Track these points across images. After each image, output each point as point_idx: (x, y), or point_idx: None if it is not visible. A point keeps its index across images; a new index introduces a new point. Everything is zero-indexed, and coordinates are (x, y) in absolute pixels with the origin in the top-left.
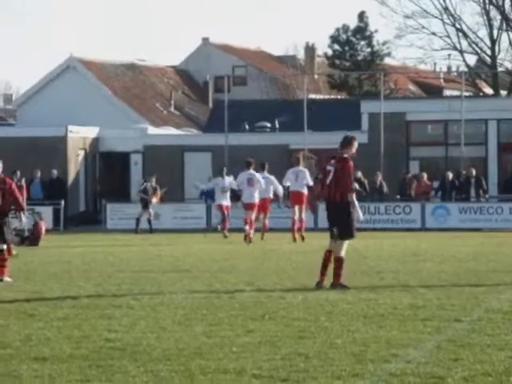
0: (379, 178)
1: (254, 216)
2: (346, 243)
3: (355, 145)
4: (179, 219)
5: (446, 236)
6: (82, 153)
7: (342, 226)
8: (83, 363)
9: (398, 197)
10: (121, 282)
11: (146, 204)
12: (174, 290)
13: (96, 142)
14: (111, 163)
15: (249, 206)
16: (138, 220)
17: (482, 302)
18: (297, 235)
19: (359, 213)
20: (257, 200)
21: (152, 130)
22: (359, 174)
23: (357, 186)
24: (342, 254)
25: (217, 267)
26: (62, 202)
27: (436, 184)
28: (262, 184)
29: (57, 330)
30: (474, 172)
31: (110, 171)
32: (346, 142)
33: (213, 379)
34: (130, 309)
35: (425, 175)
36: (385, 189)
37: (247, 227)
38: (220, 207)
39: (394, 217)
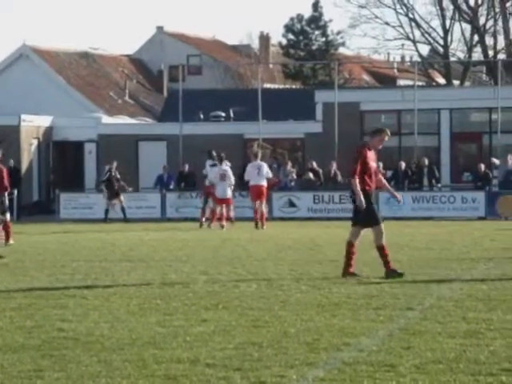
0: (333, 167)
1: (226, 209)
2: (379, 230)
3: (381, 136)
4: (134, 209)
5: (399, 225)
6: (35, 142)
7: (363, 214)
8: (36, 353)
9: None
10: (74, 272)
11: (112, 193)
12: (128, 279)
13: (50, 131)
14: (65, 152)
15: (222, 201)
16: (107, 210)
17: (434, 291)
18: (263, 224)
19: (361, 199)
20: (229, 195)
21: (106, 119)
22: (313, 164)
23: (311, 175)
24: (350, 238)
25: (171, 257)
26: (15, 192)
27: (389, 173)
28: (232, 179)
29: (9, 320)
30: (426, 161)
31: (63, 160)
32: (372, 132)
33: (166, 368)
34: (84, 299)
35: (380, 164)
36: (339, 178)
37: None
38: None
39: (347, 206)
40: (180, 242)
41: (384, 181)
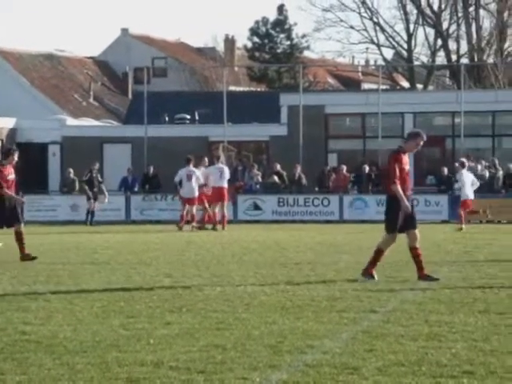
0: (298, 170)
1: (194, 209)
2: (388, 236)
3: (417, 140)
4: (98, 211)
5: (363, 228)
6: None
7: (385, 218)
8: None
9: (317, 189)
10: (37, 274)
11: (93, 194)
12: (92, 282)
13: (13, 132)
14: (29, 154)
15: (190, 201)
16: (88, 211)
17: (397, 293)
18: (224, 226)
19: (406, 204)
20: (196, 194)
21: (71, 121)
22: (278, 167)
23: (276, 178)
24: (381, 245)
25: (136, 259)
26: None
27: (353, 176)
28: (201, 179)
29: None
30: None
31: (27, 162)
32: (407, 136)
33: (130, 371)
34: (47, 301)
35: (344, 167)
36: (303, 181)
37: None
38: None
39: (312, 209)
40: (144, 244)
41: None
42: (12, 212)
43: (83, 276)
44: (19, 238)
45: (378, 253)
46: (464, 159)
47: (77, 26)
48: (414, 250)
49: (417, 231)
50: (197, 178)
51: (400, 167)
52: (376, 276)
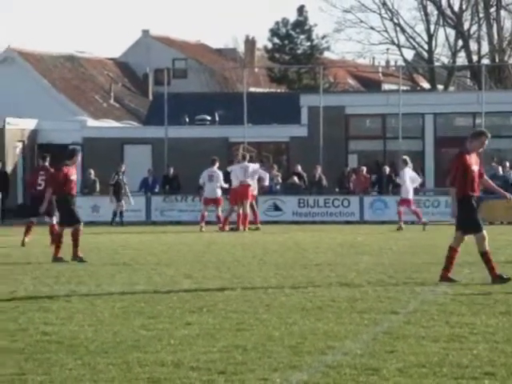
0: (318, 171)
1: (219, 210)
2: (481, 237)
3: (481, 139)
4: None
5: (383, 229)
6: (19, 145)
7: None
8: (19, 356)
9: (337, 190)
10: (59, 275)
11: (118, 197)
12: (112, 282)
13: (34, 133)
14: (50, 155)
15: (213, 201)
16: (115, 213)
17: (418, 295)
18: (245, 227)
19: (454, 209)
20: (219, 195)
21: (91, 123)
22: (298, 168)
23: (296, 179)
24: (453, 244)
25: (156, 260)
26: None
27: (374, 177)
28: (221, 181)
29: None
30: None
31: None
32: (471, 136)
33: (150, 372)
34: (68, 302)
35: (364, 169)
36: (324, 182)
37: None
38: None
39: (332, 210)
40: (165, 245)
41: (489, 182)
42: (71, 212)
43: (104, 277)
44: (75, 238)
45: (452, 252)
46: (406, 157)
47: (97, 28)
48: (483, 256)
49: (484, 232)
50: (218, 178)
51: (465, 168)
52: (456, 277)
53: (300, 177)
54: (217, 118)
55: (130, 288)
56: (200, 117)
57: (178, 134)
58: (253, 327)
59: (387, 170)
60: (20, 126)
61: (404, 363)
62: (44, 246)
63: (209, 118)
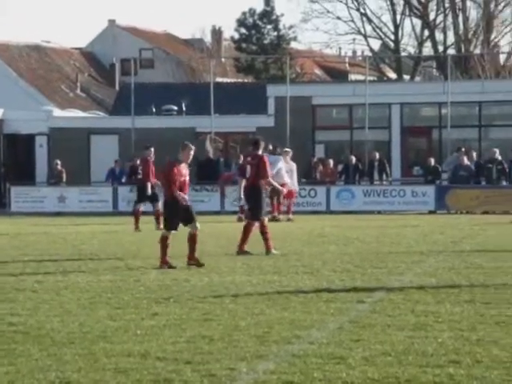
0: None
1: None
2: None
3: None
4: (85, 202)
5: (350, 218)
6: None
7: None
8: None
9: (304, 180)
10: (25, 266)
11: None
12: (79, 273)
13: (0, 123)
14: (16, 145)
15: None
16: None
17: (384, 283)
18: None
19: None
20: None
21: (58, 113)
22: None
23: None
24: None
25: (123, 251)
26: None
27: (340, 167)
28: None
29: None
30: (377, 155)
31: (14, 154)
32: None
33: (117, 362)
34: (34, 292)
35: (331, 162)
36: None
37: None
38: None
39: (299, 200)
40: (131, 236)
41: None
42: (187, 212)
43: (70, 267)
44: (193, 239)
45: None
46: (285, 149)
47: (64, 17)
48: None
49: None
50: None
51: None
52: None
53: None
54: (184, 108)
55: (96, 279)
56: (167, 107)
57: (144, 124)
58: (219, 317)
59: (353, 159)
60: None
61: (370, 352)
62: (10, 237)
63: (176, 108)
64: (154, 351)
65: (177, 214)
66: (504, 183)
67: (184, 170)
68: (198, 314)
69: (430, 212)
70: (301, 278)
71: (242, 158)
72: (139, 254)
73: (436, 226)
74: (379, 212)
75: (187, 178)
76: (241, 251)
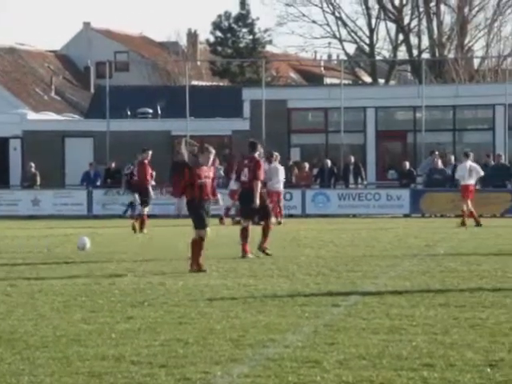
0: None
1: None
2: None
3: None
4: (59, 205)
5: (325, 222)
6: None
7: None
8: None
9: None
10: None
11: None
12: (53, 276)
13: None
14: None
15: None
16: (131, 204)
17: (359, 287)
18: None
19: None
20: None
21: (32, 115)
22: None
23: None
24: None
25: (97, 254)
26: None
27: (315, 171)
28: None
29: None
30: (352, 159)
31: None
32: None
33: (91, 366)
34: (7, 296)
35: (307, 165)
36: None
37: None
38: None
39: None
40: (106, 239)
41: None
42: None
43: (44, 271)
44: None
45: None
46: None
47: (38, 20)
48: None
49: None
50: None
51: None
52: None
53: None
54: (159, 112)
55: (70, 282)
56: (142, 110)
57: (119, 127)
58: (194, 321)
59: (329, 163)
60: None
61: (344, 355)
62: None
63: (151, 111)
64: (128, 355)
65: (201, 211)
66: (477, 187)
67: (205, 173)
68: (172, 318)
69: (405, 216)
70: (276, 282)
71: (237, 163)
72: (114, 257)
73: (411, 230)
74: (354, 216)
75: (209, 180)
76: (261, 249)
